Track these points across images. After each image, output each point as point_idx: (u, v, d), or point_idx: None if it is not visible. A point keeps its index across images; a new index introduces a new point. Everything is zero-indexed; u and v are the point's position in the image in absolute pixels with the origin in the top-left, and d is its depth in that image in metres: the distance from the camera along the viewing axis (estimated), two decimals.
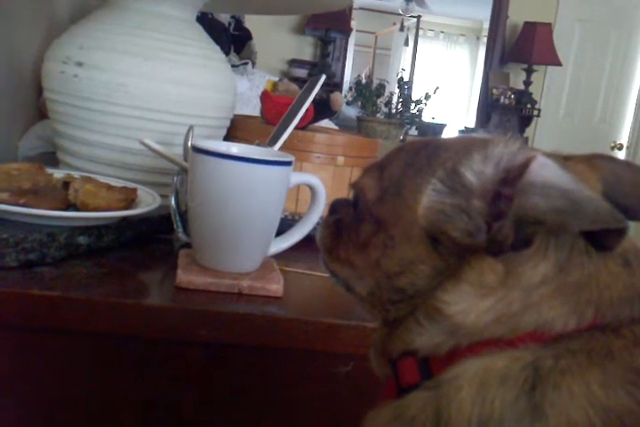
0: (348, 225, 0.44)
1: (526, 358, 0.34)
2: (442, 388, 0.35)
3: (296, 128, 0.77)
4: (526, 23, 3.79)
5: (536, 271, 0.36)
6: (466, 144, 0.39)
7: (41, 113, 1.19)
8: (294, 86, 1.00)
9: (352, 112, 3.34)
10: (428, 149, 0.41)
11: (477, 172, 0.37)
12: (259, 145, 0.73)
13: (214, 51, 0.92)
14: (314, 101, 0.81)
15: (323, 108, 0.98)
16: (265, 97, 0.98)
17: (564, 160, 0.43)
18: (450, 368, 0.36)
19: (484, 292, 0.36)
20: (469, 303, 0.37)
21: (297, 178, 0.66)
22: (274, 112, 0.92)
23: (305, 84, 0.82)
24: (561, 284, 0.36)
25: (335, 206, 0.49)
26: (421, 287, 0.39)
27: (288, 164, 0.64)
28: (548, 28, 3.74)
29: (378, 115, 3.28)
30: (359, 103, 3.48)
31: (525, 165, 0.34)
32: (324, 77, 0.80)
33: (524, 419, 0.32)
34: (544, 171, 0.34)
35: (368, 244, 0.42)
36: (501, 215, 0.35)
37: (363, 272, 0.43)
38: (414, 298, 0.39)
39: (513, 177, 0.35)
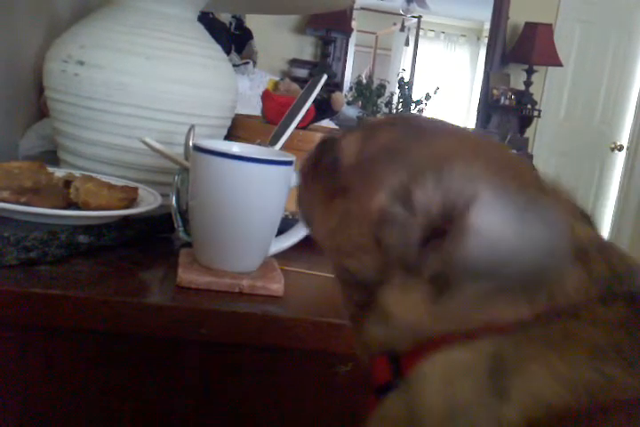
0: (326, 171, 0.43)
1: (487, 348, 0.34)
2: (412, 387, 0.35)
3: (297, 128, 0.77)
4: (527, 24, 3.79)
5: (470, 290, 0.35)
6: (443, 150, 0.38)
7: (41, 112, 1.19)
8: (295, 86, 1.00)
9: (352, 112, 3.35)
10: (410, 141, 0.40)
11: (426, 193, 0.36)
12: (260, 144, 0.73)
13: (216, 50, 0.92)
14: (315, 101, 0.81)
15: (324, 107, 0.98)
16: (266, 96, 0.98)
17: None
18: (416, 367, 0.36)
19: (417, 303, 0.36)
20: (408, 306, 0.36)
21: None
22: (275, 112, 0.93)
23: (306, 83, 0.82)
24: (504, 287, 0.35)
25: (325, 144, 0.46)
26: (370, 279, 0.38)
27: (289, 163, 0.64)
28: (548, 28, 3.74)
29: (378, 115, 3.28)
30: (360, 103, 3.48)
31: (467, 205, 0.33)
32: (325, 77, 0.80)
33: (492, 404, 0.32)
34: (484, 213, 0.33)
35: (332, 202, 0.41)
36: (437, 236, 0.35)
37: (321, 222, 0.42)
38: (367, 288, 0.39)
39: (454, 213, 0.34)
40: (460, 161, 0.36)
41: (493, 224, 0.33)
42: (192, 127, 0.75)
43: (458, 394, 0.33)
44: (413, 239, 0.36)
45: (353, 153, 0.41)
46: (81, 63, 0.82)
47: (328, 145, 0.45)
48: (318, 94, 0.78)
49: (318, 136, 0.91)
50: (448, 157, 0.37)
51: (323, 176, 0.43)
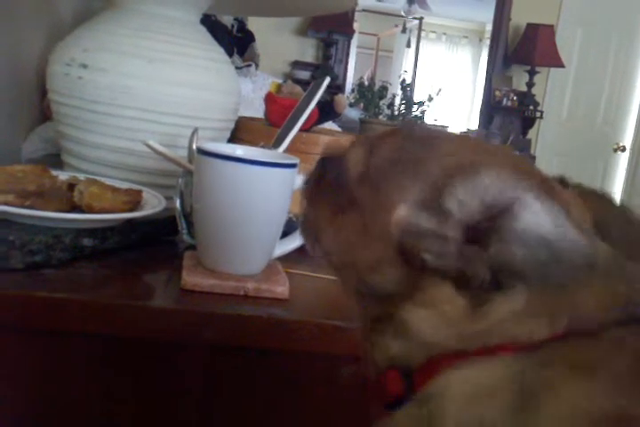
0: (331, 186, 0.42)
1: (508, 369, 0.33)
2: (429, 404, 0.35)
3: (300, 130, 0.77)
4: (529, 25, 3.79)
5: (504, 307, 0.35)
6: (457, 160, 0.37)
7: (44, 115, 1.19)
8: (299, 88, 1.00)
9: (354, 114, 3.34)
10: (418, 150, 0.39)
11: (460, 202, 0.35)
12: (263, 147, 0.73)
13: (218, 53, 0.92)
14: (318, 103, 0.81)
15: (327, 110, 0.98)
16: (269, 99, 0.98)
17: (563, 186, 0.41)
18: (432, 382, 0.35)
19: (445, 320, 0.36)
20: (429, 325, 0.36)
21: (302, 180, 0.65)
22: (278, 114, 0.92)
23: (307, 86, 0.82)
24: (531, 306, 0.35)
25: (327, 159, 0.45)
26: (392, 292, 0.38)
27: (293, 166, 0.64)
28: (550, 29, 3.74)
29: (380, 117, 3.28)
30: (361, 105, 3.48)
31: (509, 207, 0.33)
32: (328, 80, 0.79)
33: (523, 419, 0.32)
34: (527, 215, 0.33)
35: (342, 217, 0.40)
36: (474, 242, 0.34)
37: (332, 237, 0.41)
38: (386, 301, 0.38)
39: (495, 216, 0.34)
40: (488, 166, 0.35)
41: (537, 222, 0.33)
42: (195, 130, 0.75)
43: (486, 413, 0.33)
44: (450, 246, 0.35)
45: (358, 166, 0.40)
46: (84, 66, 0.82)
47: (329, 161, 0.44)
48: (321, 97, 0.78)
49: (321, 138, 0.91)
50: (473, 164, 0.36)
51: (328, 192, 0.42)
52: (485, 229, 0.34)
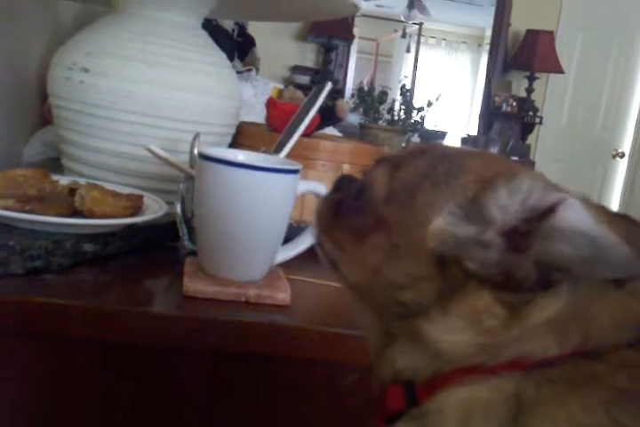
0: (349, 210, 0.42)
1: (508, 388, 0.34)
2: (426, 419, 0.35)
3: (301, 135, 0.76)
4: (528, 31, 3.79)
5: (542, 314, 0.35)
6: (488, 169, 0.38)
7: (45, 119, 1.19)
8: (300, 94, 1.00)
9: (354, 119, 3.34)
10: (444, 163, 0.39)
11: (502, 207, 0.35)
12: (265, 152, 0.73)
13: (220, 57, 0.92)
14: (319, 109, 0.80)
15: (328, 115, 0.98)
16: (271, 104, 0.98)
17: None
18: (434, 398, 0.35)
19: (478, 330, 0.35)
20: (455, 336, 0.36)
21: (304, 186, 0.65)
22: (279, 119, 0.92)
23: (308, 90, 0.81)
24: (556, 318, 0.35)
25: (340, 184, 0.46)
26: (424, 305, 0.38)
27: (295, 172, 0.63)
28: (550, 35, 3.74)
29: (380, 122, 3.28)
30: (361, 110, 3.47)
31: (554, 207, 0.33)
32: (329, 85, 0.79)
33: None
34: (571, 214, 0.33)
35: (366, 240, 0.40)
36: (516, 249, 0.34)
37: (354, 263, 0.41)
38: (413, 314, 0.38)
39: (538, 217, 0.34)
40: (524, 174, 0.36)
41: (580, 222, 0.33)
42: (197, 135, 0.75)
43: None
44: (494, 252, 0.35)
45: (383, 185, 0.40)
46: (86, 70, 0.82)
47: (346, 183, 0.44)
48: (322, 102, 0.78)
49: (323, 144, 0.91)
50: (510, 173, 0.36)
51: (348, 214, 0.42)
52: (526, 231, 0.34)
